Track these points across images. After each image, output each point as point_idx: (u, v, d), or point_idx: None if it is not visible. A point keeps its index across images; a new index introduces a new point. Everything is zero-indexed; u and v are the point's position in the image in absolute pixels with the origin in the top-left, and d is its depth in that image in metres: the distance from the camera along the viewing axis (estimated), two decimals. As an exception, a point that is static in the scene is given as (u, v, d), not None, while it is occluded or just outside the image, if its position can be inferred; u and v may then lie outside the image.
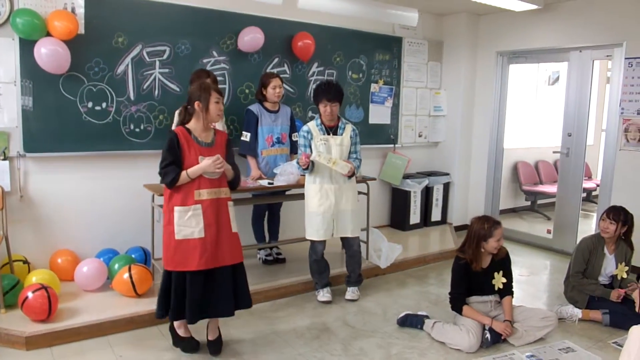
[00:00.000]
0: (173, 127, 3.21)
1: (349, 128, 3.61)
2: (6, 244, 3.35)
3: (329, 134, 3.55)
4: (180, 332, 2.91)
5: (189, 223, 2.71)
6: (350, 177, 3.55)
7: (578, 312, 3.46)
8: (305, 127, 3.60)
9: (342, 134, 3.57)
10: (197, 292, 2.73)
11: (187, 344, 2.90)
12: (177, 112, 2.75)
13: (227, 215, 2.82)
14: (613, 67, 4.66)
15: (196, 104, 2.71)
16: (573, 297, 3.58)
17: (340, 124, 3.59)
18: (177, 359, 2.85)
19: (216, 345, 2.91)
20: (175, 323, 2.90)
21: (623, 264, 3.48)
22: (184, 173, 2.69)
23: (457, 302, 3.15)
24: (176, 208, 2.71)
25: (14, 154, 3.50)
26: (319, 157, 3.45)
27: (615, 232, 3.44)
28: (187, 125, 2.75)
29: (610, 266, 3.51)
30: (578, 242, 3.69)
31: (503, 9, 4.89)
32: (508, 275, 3.21)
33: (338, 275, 3.95)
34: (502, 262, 3.20)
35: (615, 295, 3.38)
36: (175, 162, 2.68)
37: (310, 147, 3.56)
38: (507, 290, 3.19)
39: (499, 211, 5.82)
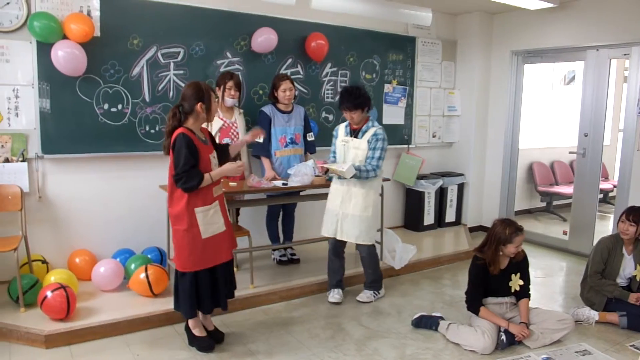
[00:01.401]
0: None
1: (370, 132, 3.48)
2: (25, 244, 3.40)
3: (351, 137, 3.54)
4: (196, 331, 2.93)
5: (214, 220, 2.82)
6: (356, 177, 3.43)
7: (595, 315, 3.41)
8: (337, 127, 3.68)
9: (361, 138, 3.50)
10: (223, 279, 2.93)
11: (202, 343, 2.93)
12: (171, 115, 2.76)
13: (225, 206, 2.97)
14: (630, 66, 4.59)
15: (199, 104, 2.74)
16: (590, 298, 3.54)
17: (363, 128, 3.51)
18: (192, 358, 2.87)
19: (219, 333, 3.05)
20: (191, 323, 2.93)
21: (642, 265, 3.43)
22: (207, 176, 2.74)
23: (474, 303, 3.13)
24: (198, 209, 2.76)
25: (32, 156, 3.56)
26: (329, 165, 3.48)
27: (636, 234, 3.39)
28: (188, 126, 2.77)
29: (629, 267, 3.46)
30: (596, 242, 3.64)
31: (517, 7, 4.84)
32: (525, 277, 3.18)
33: (352, 275, 3.95)
34: (520, 265, 3.17)
35: (634, 298, 3.34)
36: (196, 164, 2.70)
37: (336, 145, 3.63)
38: (524, 292, 3.17)
39: (514, 212, 5.77)
